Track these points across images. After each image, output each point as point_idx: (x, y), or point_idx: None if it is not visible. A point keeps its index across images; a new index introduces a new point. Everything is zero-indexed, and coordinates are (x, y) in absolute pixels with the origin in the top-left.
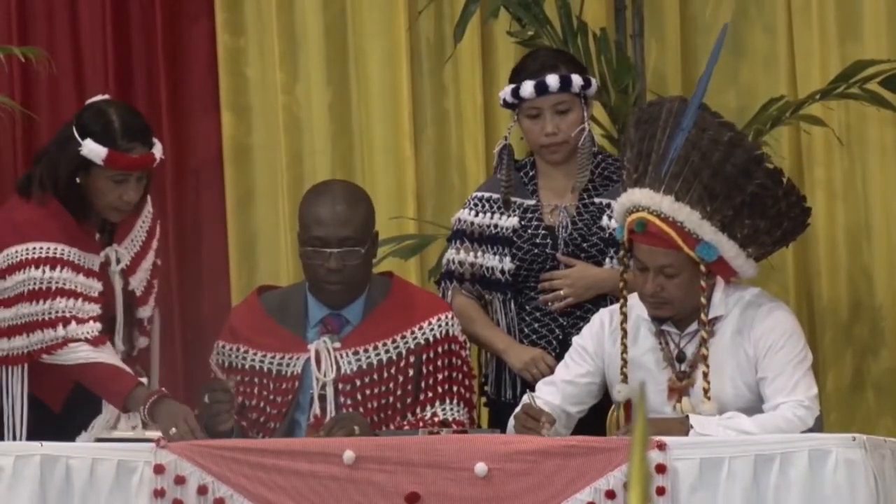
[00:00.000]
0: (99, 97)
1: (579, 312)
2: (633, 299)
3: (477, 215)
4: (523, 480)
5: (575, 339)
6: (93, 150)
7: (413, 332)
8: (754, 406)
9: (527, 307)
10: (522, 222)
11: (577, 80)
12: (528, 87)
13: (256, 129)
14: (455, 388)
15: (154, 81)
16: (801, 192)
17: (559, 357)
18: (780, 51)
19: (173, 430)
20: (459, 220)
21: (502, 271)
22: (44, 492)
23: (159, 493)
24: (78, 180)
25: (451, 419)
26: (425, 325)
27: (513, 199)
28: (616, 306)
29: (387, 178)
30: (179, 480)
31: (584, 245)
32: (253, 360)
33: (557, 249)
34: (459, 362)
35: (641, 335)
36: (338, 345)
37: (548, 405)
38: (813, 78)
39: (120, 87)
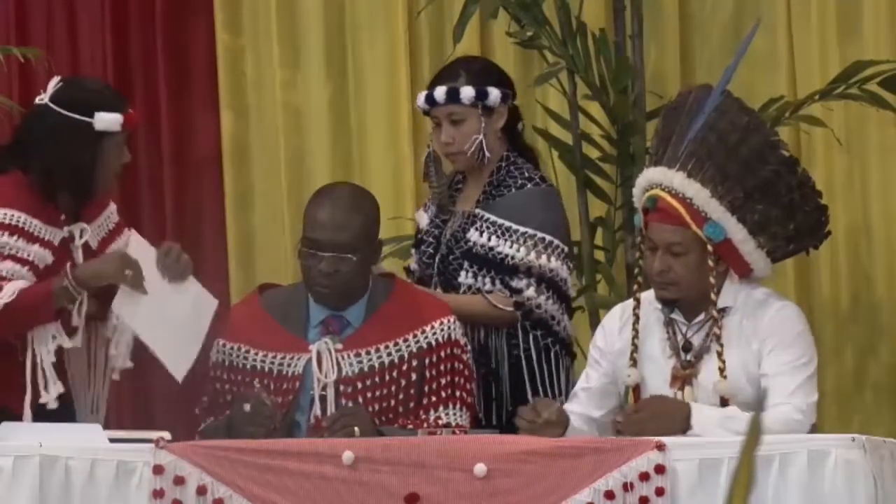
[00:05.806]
0: (56, 79)
1: None
2: (646, 294)
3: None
4: (522, 481)
5: (590, 347)
6: (106, 119)
7: (416, 336)
8: (755, 400)
9: None
10: (429, 227)
11: (466, 91)
12: (420, 98)
13: (255, 129)
14: (458, 393)
15: (153, 81)
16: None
17: None
18: (780, 51)
19: (128, 272)
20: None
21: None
22: (43, 492)
23: (159, 494)
24: None
25: (453, 423)
26: (428, 328)
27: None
28: (627, 302)
29: (386, 178)
30: (179, 481)
31: (450, 257)
32: (254, 359)
33: (437, 255)
34: (461, 366)
35: (650, 326)
36: (339, 346)
37: (573, 414)
38: (813, 78)
39: (119, 86)
